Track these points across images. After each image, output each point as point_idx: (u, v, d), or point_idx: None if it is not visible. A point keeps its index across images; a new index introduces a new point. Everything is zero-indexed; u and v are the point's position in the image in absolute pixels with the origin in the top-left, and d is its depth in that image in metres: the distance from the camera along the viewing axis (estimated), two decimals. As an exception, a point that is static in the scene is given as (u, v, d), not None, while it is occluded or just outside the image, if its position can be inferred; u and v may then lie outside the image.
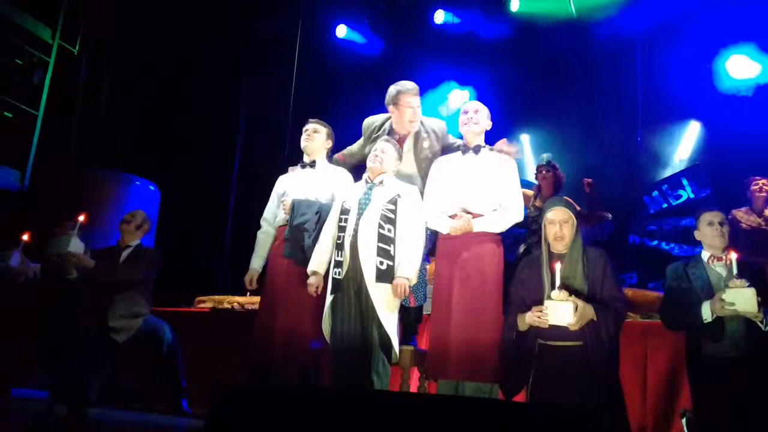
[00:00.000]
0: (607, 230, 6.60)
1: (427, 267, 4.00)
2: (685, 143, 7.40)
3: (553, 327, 3.11)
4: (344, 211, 3.68)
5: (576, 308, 3.05)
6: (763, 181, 5.40)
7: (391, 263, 3.52)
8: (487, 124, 3.83)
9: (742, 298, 3.06)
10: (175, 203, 7.61)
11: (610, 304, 3.19)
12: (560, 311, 3.05)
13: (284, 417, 2.22)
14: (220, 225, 8.39)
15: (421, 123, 4.08)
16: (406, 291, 3.50)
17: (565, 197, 4.11)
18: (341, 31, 8.61)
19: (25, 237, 4.68)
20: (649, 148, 7.43)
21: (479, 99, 6.88)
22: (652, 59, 7.16)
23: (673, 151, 7.45)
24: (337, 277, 3.58)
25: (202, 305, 5.58)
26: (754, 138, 6.31)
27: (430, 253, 3.91)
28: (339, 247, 3.62)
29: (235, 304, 5.38)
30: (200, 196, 7.97)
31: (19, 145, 6.98)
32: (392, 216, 3.59)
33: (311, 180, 4.11)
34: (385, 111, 4.11)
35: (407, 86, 3.99)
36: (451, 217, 3.62)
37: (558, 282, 3.10)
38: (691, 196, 6.95)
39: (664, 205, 7.11)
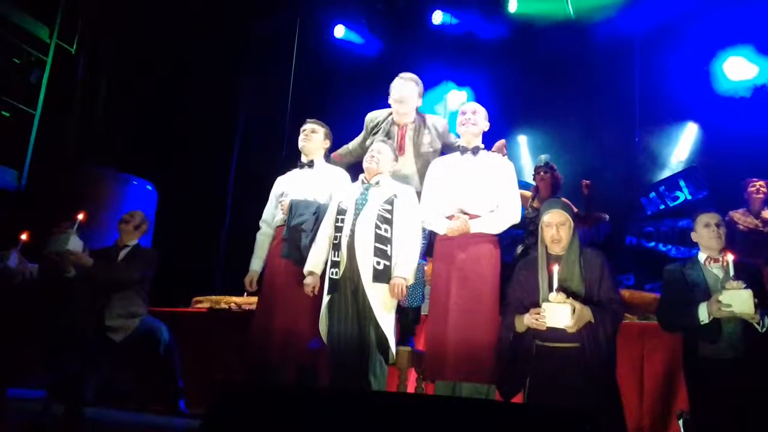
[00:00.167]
0: (604, 231, 6.60)
1: (425, 268, 4.00)
2: (682, 145, 7.42)
3: (550, 329, 3.11)
4: (341, 212, 3.68)
5: (574, 310, 3.05)
6: (760, 182, 5.41)
7: (388, 263, 3.52)
8: (485, 125, 3.83)
9: (738, 300, 3.07)
10: (172, 203, 7.61)
11: (608, 305, 3.19)
12: (558, 313, 3.06)
13: (281, 417, 2.22)
14: (218, 225, 8.39)
15: (423, 119, 4.12)
16: (403, 291, 3.50)
17: (563, 199, 4.11)
18: (339, 31, 8.62)
19: (24, 237, 4.68)
20: (646, 150, 7.44)
21: (477, 100, 6.92)
22: (650, 61, 7.17)
23: (671, 152, 7.46)
24: (334, 277, 3.58)
25: (199, 305, 5.58)
26: (751, 140, 6.33)
27: (427, 253, 3.91)
28: (336, 247, 3.62)
29: (232, 304, 5.38)
30: (197, 196, 7.96)
31: (17, 144, 6.97)
32: (389, 216, 3.59)
33: (309, 180, 4.10)
34: (387, 107, 4.17)
35: (402, 73, 4.13)
36: (448, 217, 3.61)
37: (556, 284, 3.10)
38: (689, 197, 6.96)
39: (662, 207, 7.12)
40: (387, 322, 3.50)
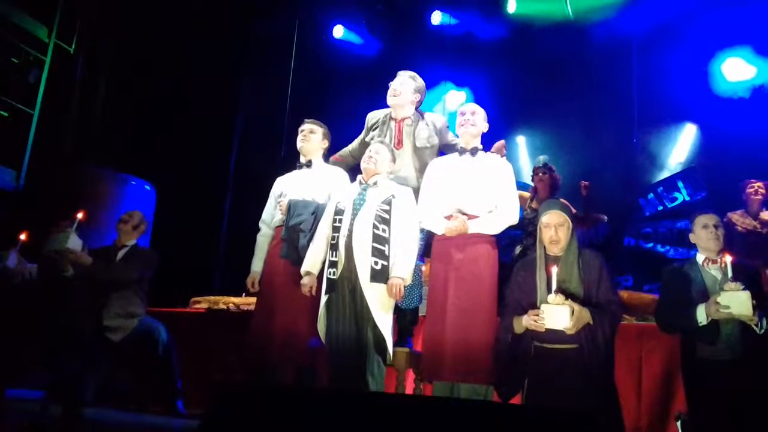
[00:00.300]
0: (602, 232, 6.59)
1: (423, 268, 4.00)
2: (680, 146, 7.42)
3: (549, 330, 3.11)
4: (338, 212, 3.69)
5: (572, 312, 3.05)
6: (759, 184, 5.41)
7: (385, 263, 3.52)
8: (484, 126, 3.84)
9: (737, 301, 3.07)
10: (170, 203, 7.59)
11: (606, 307, 3.20)
12: (557, 315, 3.06)
13: (280, 418, 2.22)
14: (216, 225, 8.38)
15: (421, 114, 4.18)
16: (400, 291, 3.50)
17: (561, 200, 4.12)
18: (338, 31, 8.61)
19: (23, 237, 4.67)
20: (645, 151, 7.44)
21: (476, 100, 6.91)
22: (649, 61, 7.17)
23: (669, 153, 7.46)
24: (331, 277, 3.59)
25: (198, 306, 5.58)
26: (749, 141, 6.33)
27: (424, 254, 3.92)
28: (333, 247, 3.62)
29: (231, 304, 5.38)
30: (196, 196, 7.95)
31: (15, 144, 6.96)
32: (387, 216, 3.60)
33: (308, 180, 4.11)
34: (387, 107, 4.23)
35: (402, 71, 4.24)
36: (446, 218, 3.62)
37: (554, 285, 3.10)
38: (687, 198, 6.96)
39: (660, 208, 7.12)
40: (384, 322, 3.51)
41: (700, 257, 3.49)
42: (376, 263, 3.51)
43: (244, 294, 5.25)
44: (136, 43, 8.18)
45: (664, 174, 7.36)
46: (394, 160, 3.88)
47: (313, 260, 3.72)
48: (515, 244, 5.65)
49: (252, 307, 4.49)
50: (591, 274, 3.28)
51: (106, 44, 8.23)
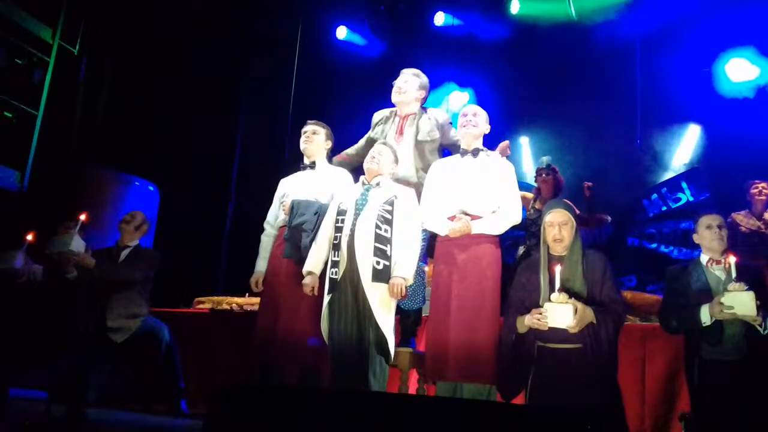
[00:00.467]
0: (606, 233, 6.59)
1: (426, 269, 4.01)
2: (684, 146, 7.40)
3: (552, 329, 3.11)
4: (341, 212, 3.69)
5: (576, 311, 3.05)
6: (763, 184, 5.41)
7: (387, 263, 3.52)
8: (486, 128, 3.85)
9: (740, 302, 3.07)
10: (174, 204, 7.60)
11: (610, 306, 3.19)
12: (560, 314, 3.06)
13: (283, 418, 2.22)
14: (220, 226, 8.39)
15: (425, 110, 4.22)
16: (402, 291, 3.50)
17: (565, 200, 4.12)
18: (341, 32, 8.61)
19: (29, 237, 4.68)
20: (648, 151, 7.43)
21: (479, 101, 6.92)
22: (652, 62, 7.16)
23: (673, 154, 7.45)
24: (334, 277, 3.59)
25: (201, 306, 5.58)
26: (753, 141, 6.32)
27: (427, 254, 3.92)
28: (336, 247, 3.63)
29: (234, 305, 5.38)
30: (199, 197, 7.96)
31: (19, 144, 6.97)
32: (389, 216, 3.60)
33: (311, 181, 4.11)
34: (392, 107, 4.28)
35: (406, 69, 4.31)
36: (449, 219, 3.62)
37: (558, 284, 3.10)
38: (691, 199, 6.95)
39: (664, 208, 7.11)
40: (386, 322, 3.51)
41: (703, 258, 3.49)
42: (378, 263, 3.51)
43: (247, 294, 5.26)
44: (140, 45, 8.19)
45: (668, 174, 7.35)
46: (396, 161, 3.89)
47: (315, 260, 3.73)
48: (518, 245, 5.66)
49: (255, 308, 4.49)
50: (594, 274, 3.28)
51: (109, 45, 8.24)
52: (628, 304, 3.77)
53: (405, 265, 3.53)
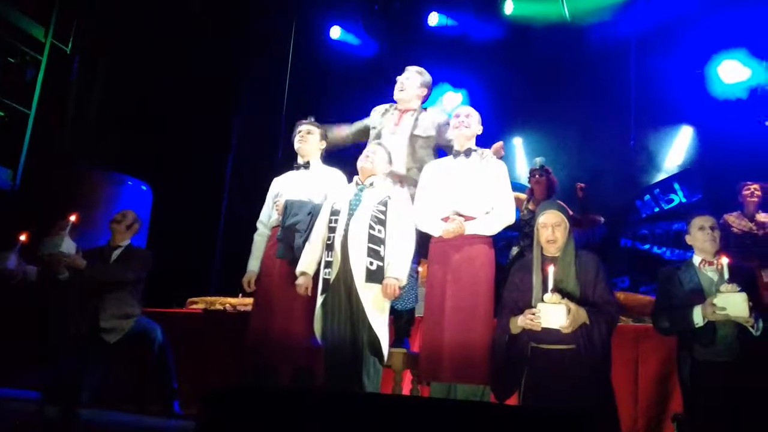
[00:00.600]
0: (599, 234, 6.62)
1: (419, 270, 4.00)
2: (677, 147, 7.43)
3: (545, 330, 3.11)
4: (334, 213, 3.69)
5: (569, 311, 3.06)
6: (755, 185, 5.42)
7: (381, 264, 3.52)
8: (479, 129, 3.85)
9: (733, 303, 3.08)
10: (167, 203, 7.57)
11: (603, 307, 3.20)
12: (553, 314, 3.06)
13: (276, 419, 2.21)
14: (213, 226, 8.36)
15: (424, 108, 4.26)
16: (396, 291, 3.51)
17: (558, 201, 4.12)
18: (335, 32, 8.60)
19: (23, 238, 4.65)
20: (641, 152, 7.45)
21: (473, 101, 6.93)
22: (645, 63, 7.19)
23: (666, 155, 7.48)
24: (327, 277, 3.59)
25: (194, 306, 5.57)
26: (745, 143, 6.35)
27: (422, 255, 3.92)
28: (329, 247, 3.62)
29: (227, 305, 5.37)
30: (193, 197, 7.93)
31: (11, 143, 6.94)
32: (383, 217, 3.60)
33: (305, 181, 4.10)
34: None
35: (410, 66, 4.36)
36: (443, 219, 3.62)
37: (551, 284, 3.10)
38: (683, 200, 6.99)
39: (656, 209, 7.14)
40: (379, 322, 3.50)
41: (696, 259, 3.50)
42: (371, 264, 3.51)
43: (240, 294, 5.24)
44: (133, 43, 8.16)
45: (661, 176, 7.38)
46: (390, 161, 3.89)
47: (308, 260, 3.72)
48: (512, 246, 5.67)
49: (248, 308, 4.48)
50: (587, 274, 3.28)
51: (102, 44, 8.21)
52: (621, 305, 3.77)
53: (398, 265, 3.53)
